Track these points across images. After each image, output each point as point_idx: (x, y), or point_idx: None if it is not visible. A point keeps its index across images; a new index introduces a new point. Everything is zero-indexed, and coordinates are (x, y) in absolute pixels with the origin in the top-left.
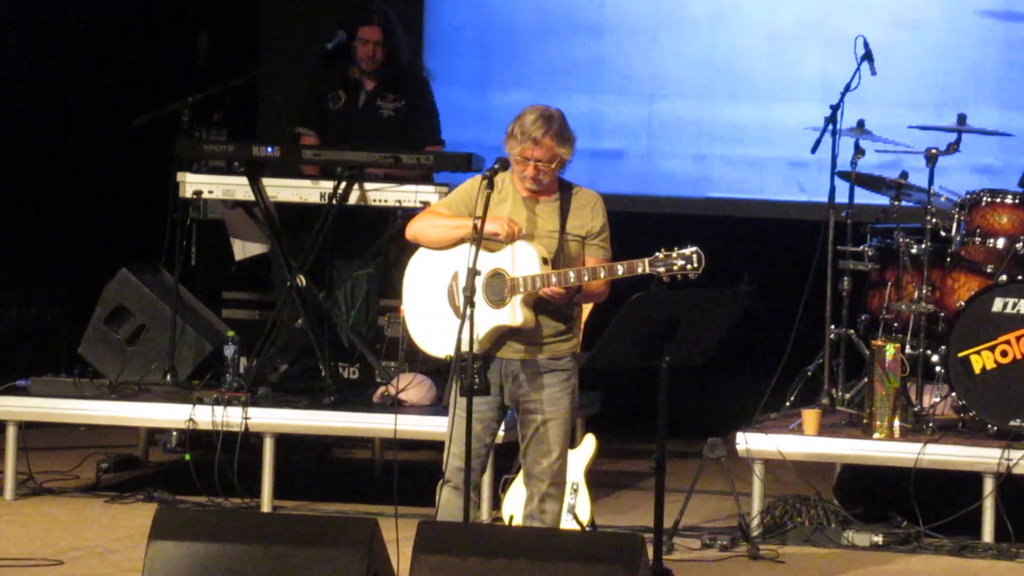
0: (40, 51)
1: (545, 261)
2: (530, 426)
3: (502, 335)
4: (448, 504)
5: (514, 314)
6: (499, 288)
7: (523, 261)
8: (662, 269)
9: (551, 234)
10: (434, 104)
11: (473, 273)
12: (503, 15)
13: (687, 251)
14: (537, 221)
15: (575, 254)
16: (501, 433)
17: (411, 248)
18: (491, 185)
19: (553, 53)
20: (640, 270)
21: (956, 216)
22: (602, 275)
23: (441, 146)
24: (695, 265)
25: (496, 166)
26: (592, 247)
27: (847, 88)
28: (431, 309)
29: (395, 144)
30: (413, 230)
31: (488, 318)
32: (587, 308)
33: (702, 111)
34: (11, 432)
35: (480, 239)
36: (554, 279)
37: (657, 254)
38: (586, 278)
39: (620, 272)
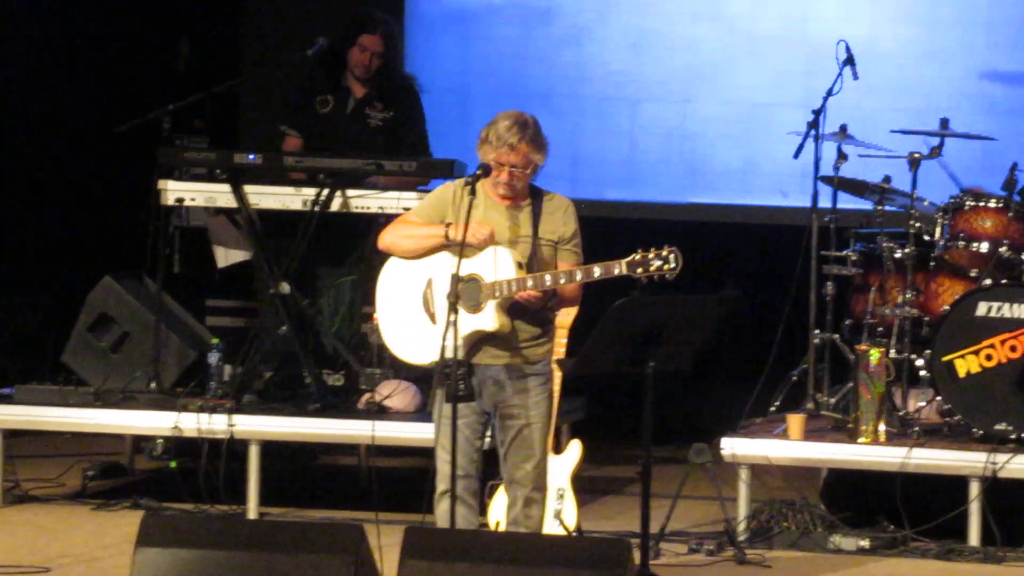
0: (19, 60)
1: (520, 265)
2: (510, 431)
3: (479, 340)
4: (449, 514)
5: (490, 319)
6: (475, 293)
7: (498, 266)
8: (639, 270)
9: (524, 239)
10: (422, 115)
11: (456, 279)
12: (485, 23)
13: (664, 251)
14: (510, 227)
15: (548, 259)
16: (488, 439)
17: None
18: (473, 191)
19: (535, 60)
20: (617, 271)
21: (939, 220)
22: (579, 277)
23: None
24: (672, 265)
25: (479, 172)
26: (565, 252)
27: (829, 93)
28: (406, 317)
29: (380, 152)
30: (385, 241)
31: (464, 323)
32: (572, 314)
33: (684, 116)
34: None
35: (464, 245)
36: (530, 283)
37: (634, 255)
38: (563, 281)
39: (597, 274)
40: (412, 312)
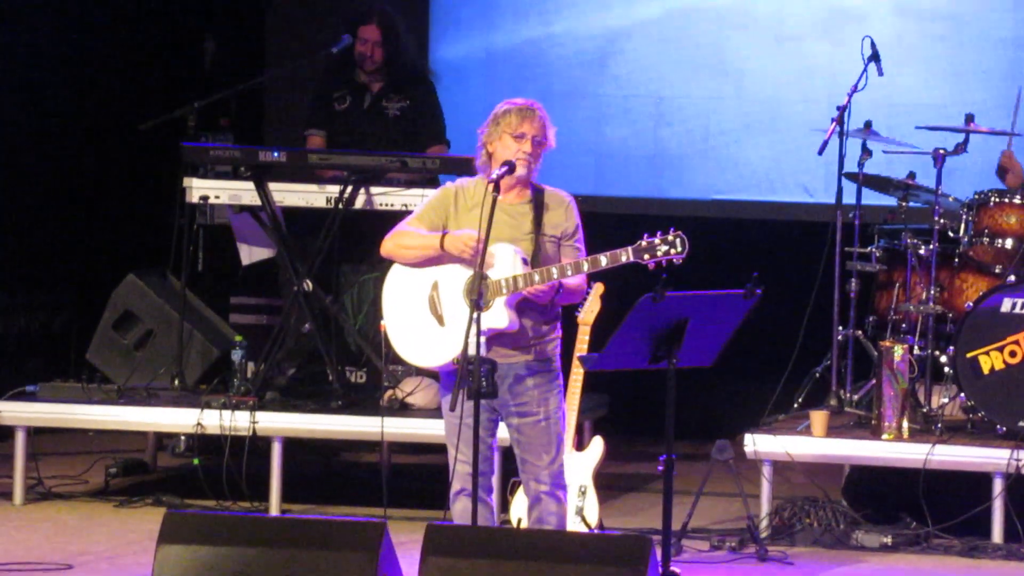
0: (46, 57)
1: (525, 261)
2: (524, 429)
3: (489, 339)
4: (467, 513)
5: (501, 316)
6: (483, 291)
7: (503, 262)
8: (646, 256)
9: (527, 236)
10: (438, 104)
11: (479, 277)
12: (509, 15)
13: (670, 236)
14: (512, 224)
15: (551, 255)
16: (506, 436)
17: None
18: (497, 188)
19: (559, 56)
20: (624, 259)
21: (964, 217)
22: (586, 268)
23: (446, 146)
24: (679, 250)
25: (503, 170)
26: (567, 248)
27: (854, 89)
28: (414, 322)
29: (401, 144)
30: (387, 248)
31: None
32: (595, 311)
33: (709, 112)
34: (20, 437)
35: (486, 245)
36: (537, 277)
37: (640, 241)
38: (569, 272)
39: (604, 263)
40: (420, 316)
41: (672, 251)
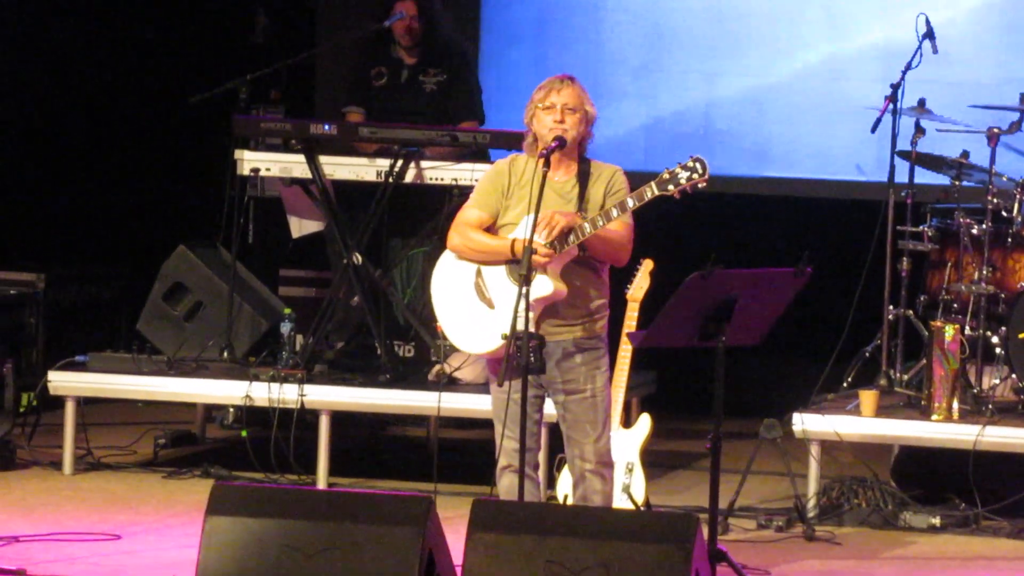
0: (99, 28)
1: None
2: (570, 407)
3: (539, 314)
4: (513, 489)
5: (543, 285)
6: (530, 265)
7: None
8: (671, 187)
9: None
10: (473, 78)
11: (528, 251)
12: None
13: (688, 162)
14: (560, 203)
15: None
16: (553, 412)
17: None
18: (547, 163)
19: (609, 29)
20: (649, 195)
21: (1018, 196)
22: (615, 214)
23: (479, 121)
24: (701, 172)
25: (554, 144)
26: (615, 222)
27: (908, 67)
28: (464, 311)
29: (438, 119)
30: (455, 245)
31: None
32: (644, 288)
33: (761, 89)
34: (70, 407)
35: (535, 221)
36: (571, 238)
37: (662, 174)
38: (601, 223)
39: (631, 204)
40: (469, 305)
41: (695, 176)
